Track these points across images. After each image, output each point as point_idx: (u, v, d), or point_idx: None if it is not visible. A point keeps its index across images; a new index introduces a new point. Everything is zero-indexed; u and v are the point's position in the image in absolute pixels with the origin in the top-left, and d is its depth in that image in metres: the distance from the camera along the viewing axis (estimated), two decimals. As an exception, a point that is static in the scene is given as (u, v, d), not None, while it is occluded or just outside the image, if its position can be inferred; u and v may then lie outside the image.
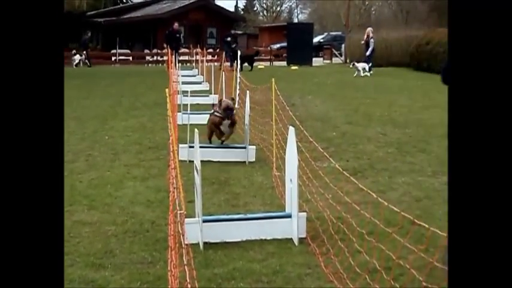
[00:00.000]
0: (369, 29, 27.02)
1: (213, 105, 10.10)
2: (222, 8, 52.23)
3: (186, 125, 8.75)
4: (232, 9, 72.96)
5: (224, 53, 26.50)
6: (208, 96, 15.85)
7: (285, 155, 6.07)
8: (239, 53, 20.50)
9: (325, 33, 51.49)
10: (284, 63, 35.04)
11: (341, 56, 39.17)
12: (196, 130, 5.53)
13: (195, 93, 14.83)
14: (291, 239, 5.57)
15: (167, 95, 6.34)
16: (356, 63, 25.49)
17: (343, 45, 39.34)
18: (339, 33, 47.74)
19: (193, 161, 5.92)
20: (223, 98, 10.08)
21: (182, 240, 4.16)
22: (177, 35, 29.60)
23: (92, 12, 52.94)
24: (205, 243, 5.39)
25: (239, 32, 59.97)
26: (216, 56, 32.89)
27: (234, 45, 29.16)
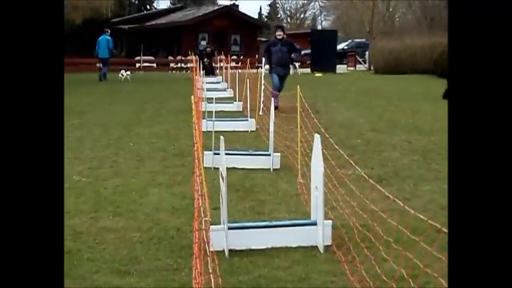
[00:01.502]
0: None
1: None
2: (246, 15, 52.30)
3: (211, 131, 8.78)
4: (256, 16, 73.19)
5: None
6: (232, 103, 15.90)
7: (309, 162, 6.06)
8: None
9: (349, 40, 51.32)
10: (308, 70, 34.98)
11: (365, 63, 39.00)
12: (221, 137, 5.54)
13: (219, 100, 14.87)
14: (316, 246, 5.54)
15: (192, 101, 6.37)
16: None
17: (367, 52, 39.18)
18: (363, 40, 47.56)
19: (217, 168, 5.93)
20: None
21: (207, 247, 4.15)
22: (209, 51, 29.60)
23: (117, 19, 53.37)
24: (230, 251, 5.39)
25: (261, 39, 60.03)
26: (240, 63, 32.78)
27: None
